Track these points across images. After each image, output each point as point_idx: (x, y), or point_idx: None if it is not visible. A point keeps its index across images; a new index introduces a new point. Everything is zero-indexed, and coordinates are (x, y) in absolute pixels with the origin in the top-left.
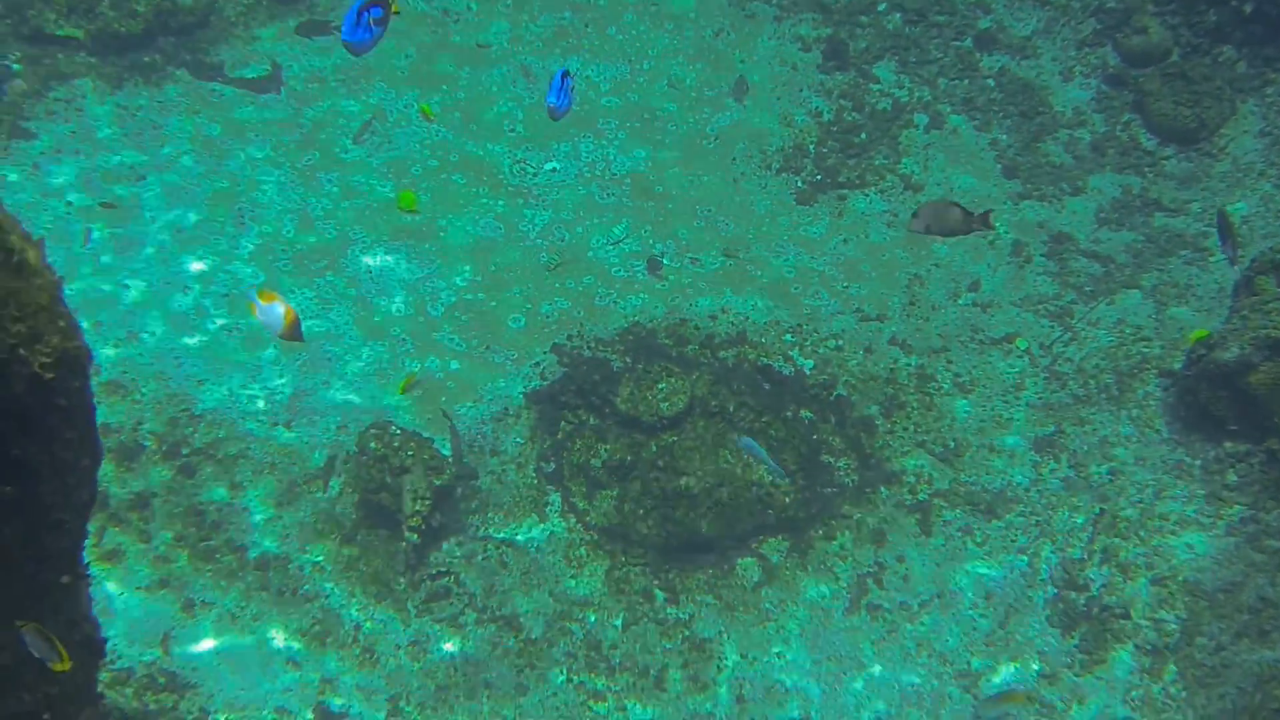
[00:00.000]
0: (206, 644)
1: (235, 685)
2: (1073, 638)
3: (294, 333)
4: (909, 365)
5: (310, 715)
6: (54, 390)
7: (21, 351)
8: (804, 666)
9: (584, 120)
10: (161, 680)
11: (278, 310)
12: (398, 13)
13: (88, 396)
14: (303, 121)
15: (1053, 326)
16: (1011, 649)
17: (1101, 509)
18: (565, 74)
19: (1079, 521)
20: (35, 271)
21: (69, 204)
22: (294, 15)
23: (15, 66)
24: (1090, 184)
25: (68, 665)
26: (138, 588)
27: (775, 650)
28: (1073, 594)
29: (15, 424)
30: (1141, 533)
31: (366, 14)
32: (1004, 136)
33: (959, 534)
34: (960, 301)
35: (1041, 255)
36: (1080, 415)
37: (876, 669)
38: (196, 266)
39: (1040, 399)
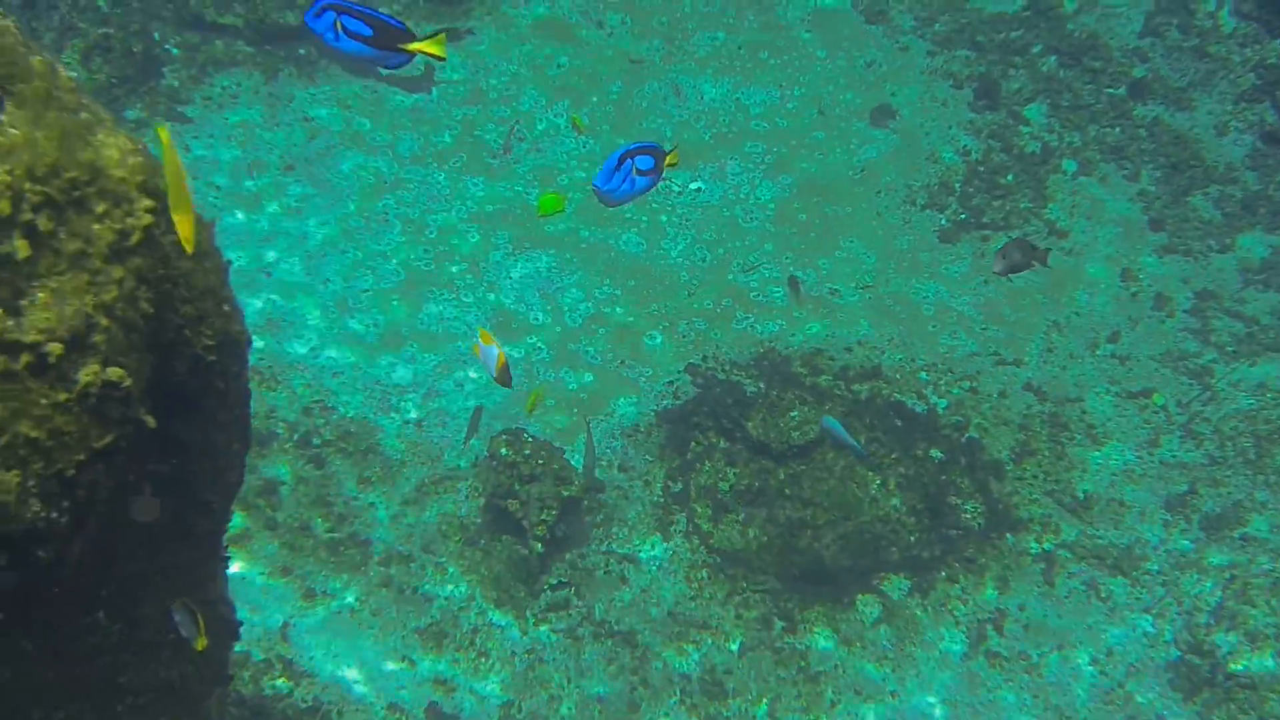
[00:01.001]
0: (324, 634)
1: (350, 678)
2: (1194, 704)
3: (504, 376)
4: (1042, 412)
5: (421, 714)
6: (214, 373)
7: (187, 333)
8: (918, 709)
9: (732, 143)
10: (279, 666)
11: (494, 353)
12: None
13: (244, 381)
14: (452, 123)
15: (1191, 384)
16: (1130, 709)
17: (1232, 574)
18: (631, 154)
19: (1207, 585)
20: (205, 254)
21: (217, 187)
22: (450, 17)
23: (174, 51)
24: (1239, 242)
25: (204, 645)
26: (261, 573)
27: (889, 689)
28: (1196, 659)
29: (174, 404)
30: (1273, 601)
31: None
32: (1152, 188)
33: (1083, 587)
34: (1099, 352)
35: (1184, 311)
36: (1215, 477)
37: (992, 717)
38: (339, 261)
39: (1174, 457)
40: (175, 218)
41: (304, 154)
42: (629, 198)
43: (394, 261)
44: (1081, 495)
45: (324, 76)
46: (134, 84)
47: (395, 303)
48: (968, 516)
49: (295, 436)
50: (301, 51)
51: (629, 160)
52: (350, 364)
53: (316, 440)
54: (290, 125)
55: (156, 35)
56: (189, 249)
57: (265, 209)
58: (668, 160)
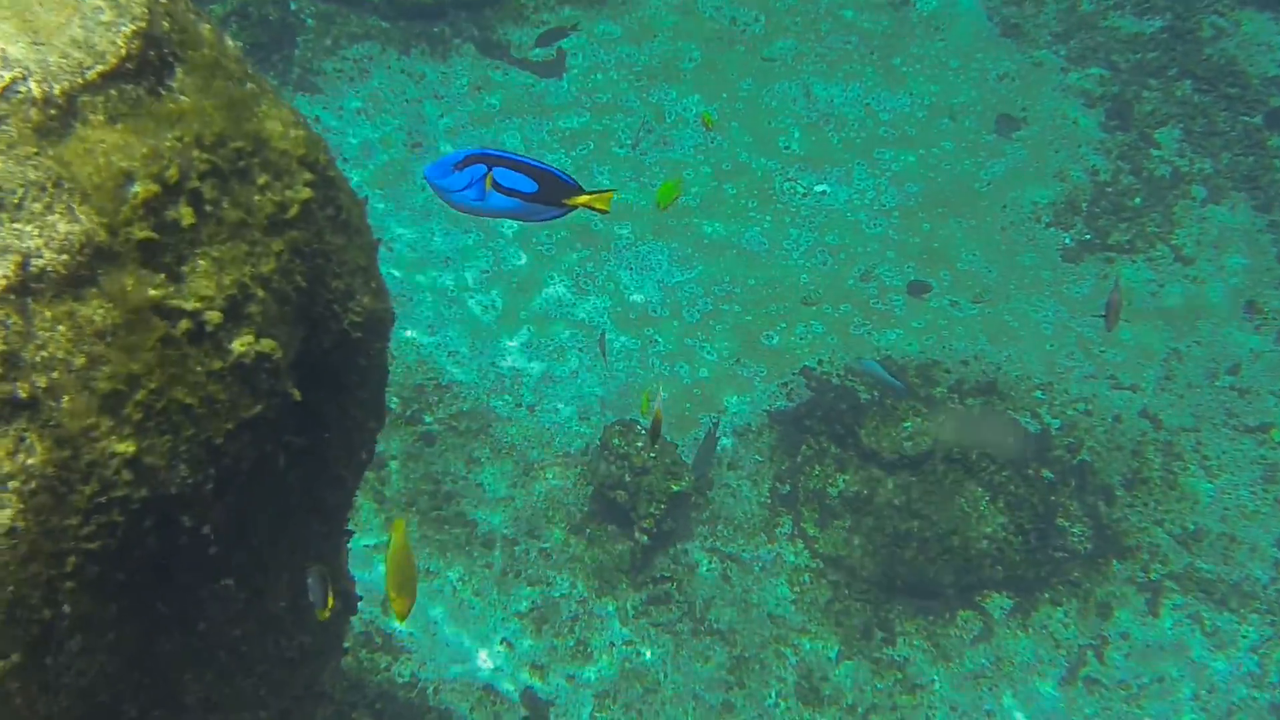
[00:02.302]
0: (426, 612)
1: (448, 656)
2: None
3: (656, 429)
4: (1157, 440)
5: (517, 698)
6: (358, 350)
7: (335, 308)
8: None
9: (860, 148)
10: (378, 640)
11: (652, 406)
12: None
13: (385, 360)
14: (580, 110)
15: None
16: None
17: None
18: (491, 161)
19: None
20: (358, 231)
21: (345, 160)
22: (585, 4)
23: (309, 22)
24: None
25: (327, 616)
26: (366, 546)
27: (986, 708)
28: None
29: (317, 378)
30: None
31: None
32: None
33: (1188, 620)
34: (1218, 383)
35: None
36: None
37: None
38: (460, 241)
39: None
40: (394, 598)
41: (432, 132)
42: (478, 211)
43: (515, 245)
44: (1192, 527)
45: (456, 56)
46: (267, 51)
47: (514, 285)
48: (1075, 540)
49: (408, 413)
50: (435, 29)
51: (483, 166)
52: (466, 344)
53: (428, 418)
54: (420, 102)
55: (293, 4)
56: (400, 623)
57: (388, 183)
58: (577, 200)
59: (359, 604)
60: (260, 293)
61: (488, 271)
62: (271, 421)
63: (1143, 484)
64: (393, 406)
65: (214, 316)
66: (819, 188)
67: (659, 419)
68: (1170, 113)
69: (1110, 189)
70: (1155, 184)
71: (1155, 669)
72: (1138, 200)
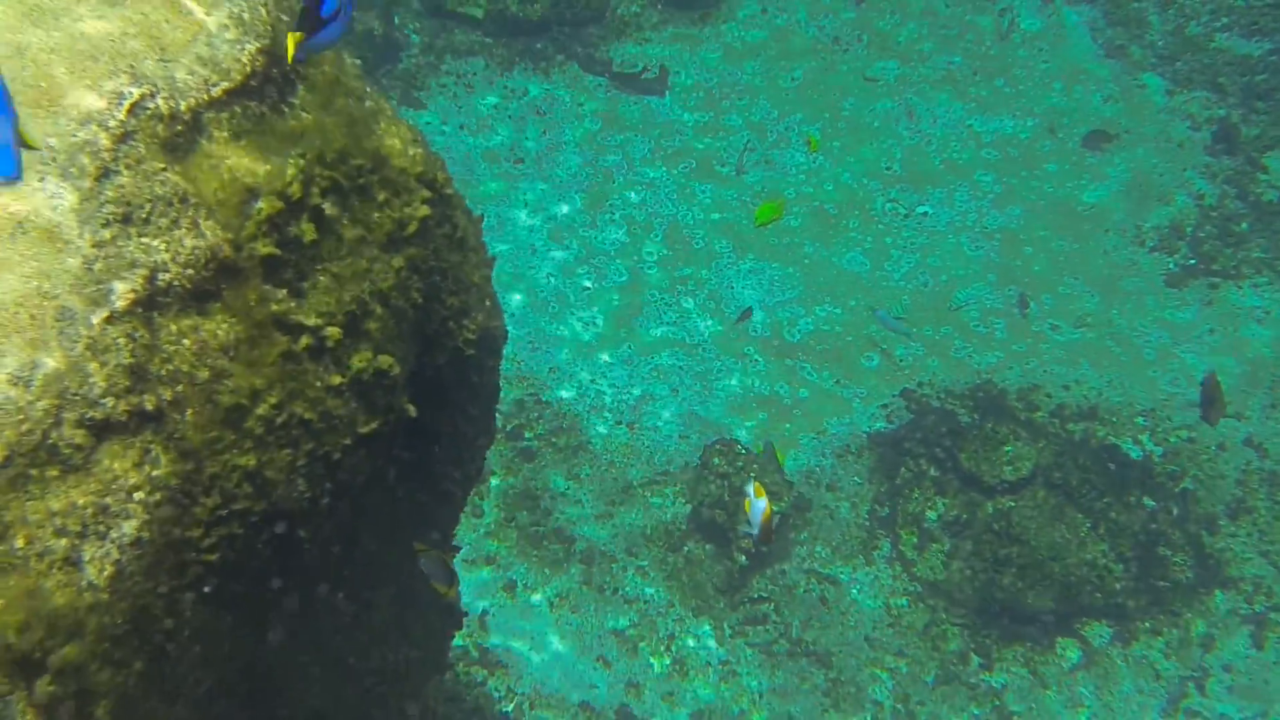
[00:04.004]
0: (522, 627)
1: (544, 673)
2: None
3: (766, 534)
4: (1262, 470)
5: (613, 715)
6: (470, 366)
7: (450, 325)
8: None
9: (962, 170)
10: (475, 654)
11: (761, 507)
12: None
13: (497, 377)
14: (683, 129)
15: None
16: None
17: None
18: None
19: None
20: (474, 248)
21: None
22: (686, 22)
23: (414, 37)
24: None
25: (454, 593)
26: (464, 560)
27: None
28: None
29: (430, 393)
30: None
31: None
32: None
33: None
34: None
35: None
36: None
37: None
38: (560, 256)
39: None
40: None
41: (535, 148)
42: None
43: (616, 261)
44: None
45: (559, 73)
46: (371, 66)
47: (615, 302)
48: (1176, 569)
49: (508, 428)
50: (538, 45)
51: None
52: (566, 360)
53: (528, 434)
54: (523, 118)
55: (397, 19)
56: None
57: (489, 200)
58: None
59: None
60: (378, 309)
61: (589, 288)
62: (386, 437)
63: (1247, 514)
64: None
65: (334, 332)
66: (921, 209)
67: (768, 521)
68: (1278, 136)
69: (1215, 213)
70: (1263, 209)
71: (1260, 703)
72: (1244, 225)
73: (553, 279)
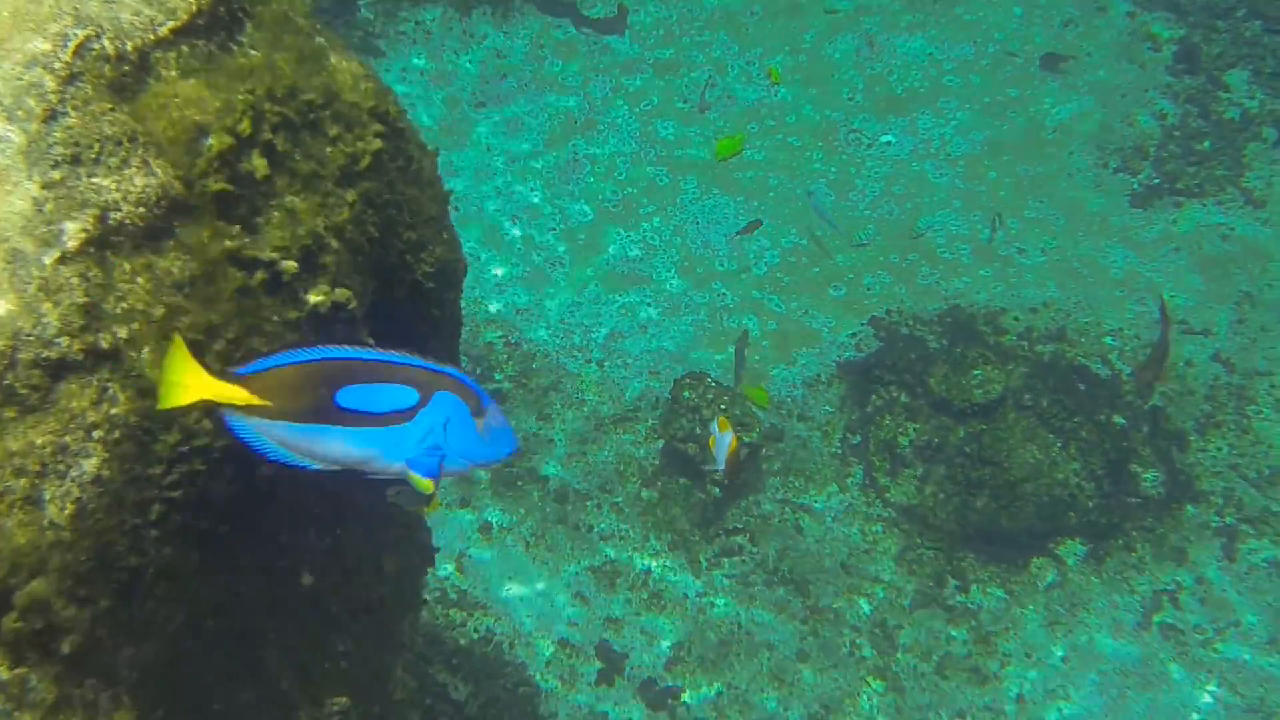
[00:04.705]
0: (499, 567)
1: (522, 611)
2: None
3: (732, 467)
4: (1230, 384)
5: (592, 651)
6: (430, 300)
7: (408, 258)
8: (1089, 676)
9: (924, 98)
10: (453, 596)
11: (726, 441)
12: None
13: (458, 310)
14: (644, 66)
15: None
16: None
17: None
18: None
19: None
20: (429, 182)
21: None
22: None
23: None
24: None
25: (437, 506)
26: (440, 505)
27: (1059, 654)
28: None
29: (391, 329)
30: None
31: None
32: None
33: (1265, 565)
34: None
35: None
36: None
37: (1164, 689)
38: (523, 198)
39: None
40: None
41: (496, 91)
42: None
43: (581, 201)
44: (1267, 471)
45: (518, 16)
46: (331, 16)
47: (581, 242)
48: (1148, 485)
49: (478, 371)
50: None
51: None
52: (534, 301)
53: (499, 375)
54: (483, 63)
55: None
56: None
57: (452, 143)
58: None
59: (436, 560)
60: (334, 243)
61: (555, 230)
62: None
63: (1216, 428)
64: (463, 364)
65: (290, 266)
66: (884, 138)
67: (734, 455)
68: (1239, 54)
69: (1179, 133)
70: (1224, 127)
71: (1232, 614)
72: (1207, 144)
73: (518, 222)
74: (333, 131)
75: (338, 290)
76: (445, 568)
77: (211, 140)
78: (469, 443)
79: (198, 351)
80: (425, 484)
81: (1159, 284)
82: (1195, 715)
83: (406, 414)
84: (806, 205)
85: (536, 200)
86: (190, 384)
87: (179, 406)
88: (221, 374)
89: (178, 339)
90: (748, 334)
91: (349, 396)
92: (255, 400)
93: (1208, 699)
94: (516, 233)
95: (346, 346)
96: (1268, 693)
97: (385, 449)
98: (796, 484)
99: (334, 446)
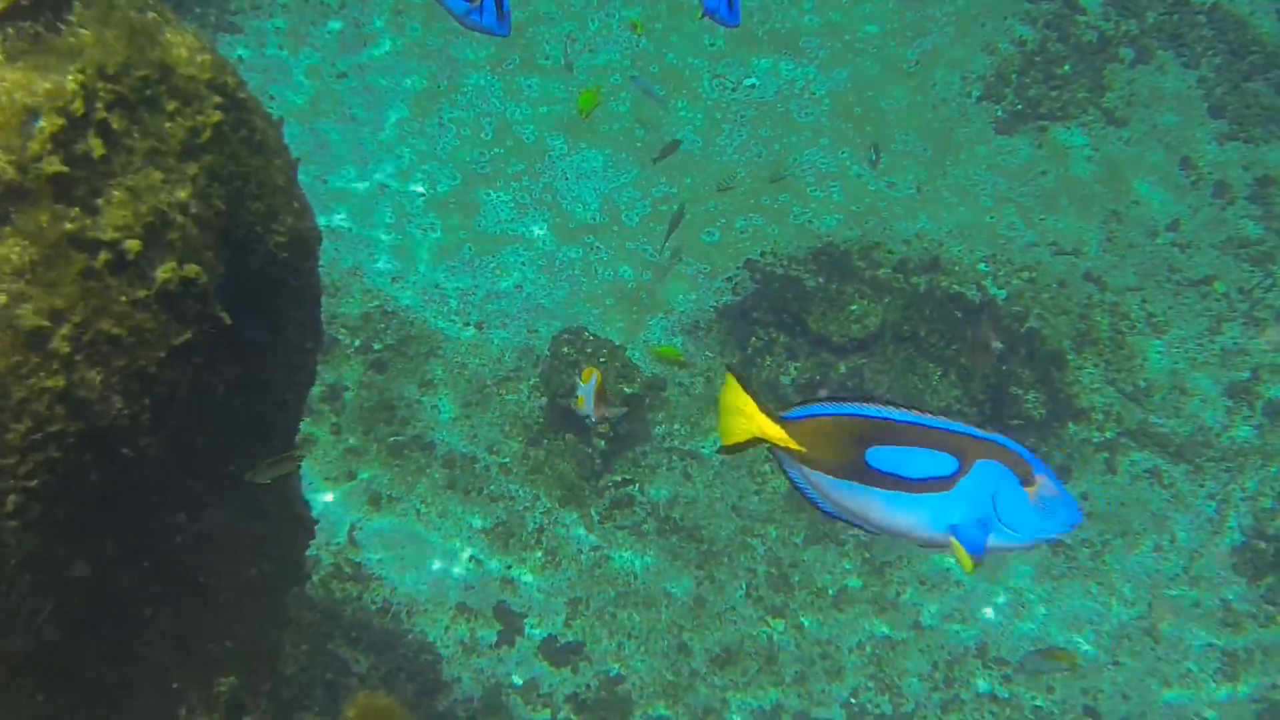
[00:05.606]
0: (391, 538)
1: (418, 579)
2: (1259, 586)
3: (601, 400)
4: (1103, 302)
5: (490, 613)
6: (286, 270)
7: (259, 230)
8: (980, 594)
9: (785, 39)
10: (347, 570)
11: (588, 390)
12: None
13: (316, 279)
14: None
15: (1253, 271)
16: (1196, 595)
17: None
18: None
19: (1272, 471)
20: (275, 151)
21: (271, 97)
22: None
23: None
24: None
25: (298, 464)
26: (326, 478)
27: (954, 579)
28: (1262, 543)
29: (249, 302)
30: None
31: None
32: (1212, 75)
33: (1146, 475)
34: (1159, 241)
35: (1245, 199)
36: (1277, 364)
37: (1053, 603)
38: (391, 166)
39: (1237, 344)
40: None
41: (356, 61)
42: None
43: (449, 165)
44: (1143, 384)
45: None
46: None
47: (451, 206)
48: (1029, 406)
49: (357, 343)
50: None
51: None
52: (408, 269)
53: (378, 345)
54: (341, 32)
55: None
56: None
57: (316, 115)
58: None
59: (323, 535)
60: (179, 219)
61: (423, 195)
62: (204, 347)
63: (1092, 345)
64: (341, 337)
65: (134, 245)
66: (748, 81)
67: (600, 390)
68: None
69: (1039, 58)
70: (1083, 49)
71: (1118, 525)
72: (1067, 67)
73: (386, 189)
74: (170, 106)
75: (186, 266)
76: (338, 540)
77: (43, 122)
78: (1021, 516)
79: (44, 337)
80: (968, 561)
81: (1028, 207)
82: (1089, 627)
83: (945, 482)
84: (667, 143)
85: (405, 167)
86: (744, 426)
87: (739, 443)
88: (771, 414)
89: (730, 378)
90: (683, 209)
91: (880, 457)
92: (794, 445)
93: (1098, 607)
94: (386, 200)
95: (883, 405)
96: (1155, 598)
97: (925, 519)
98: (683, 431)
99: (871, 508)
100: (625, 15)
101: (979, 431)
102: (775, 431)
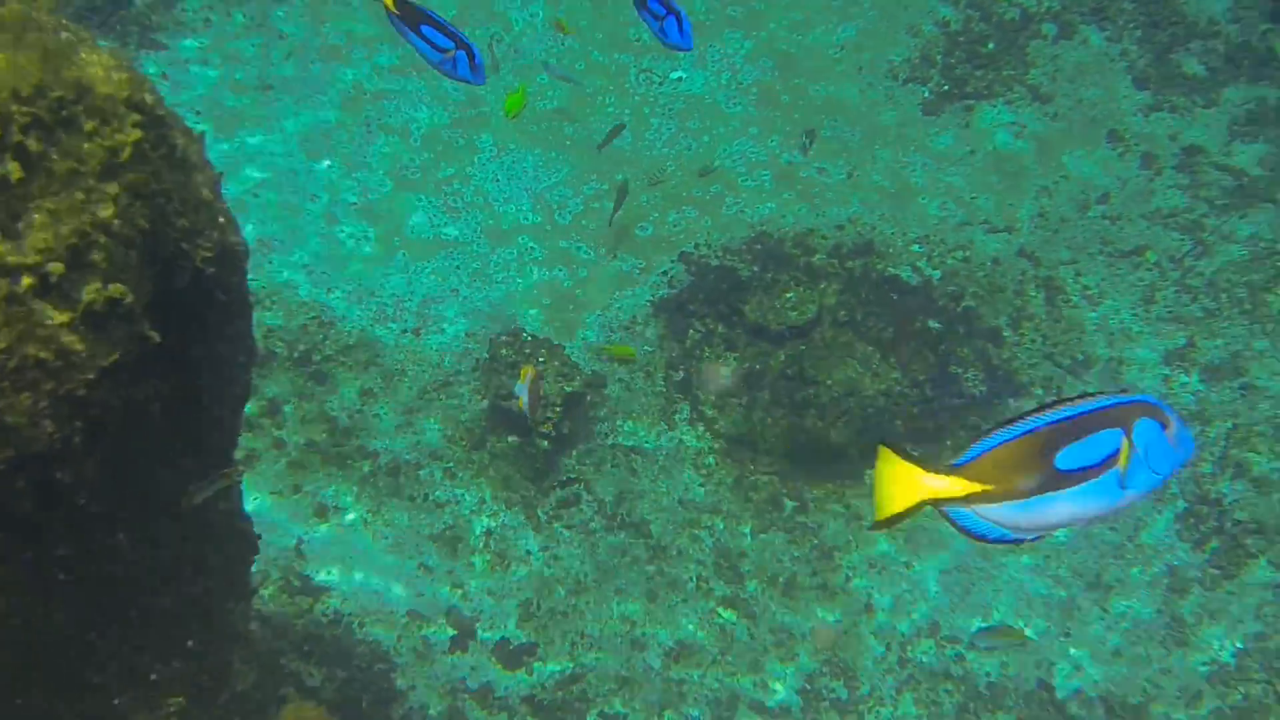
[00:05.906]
0: (340, 548)
1: (367, 589)
2: (1204, 552)
3: (536, 397)
4: (1037, 277)
5: (443, 620)
6: (214, 285)
7: (184, 246)
8: (932, 575)
9: (711, 29)
10: (296, 583)
11: (522, 390)
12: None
13: (245, 293)
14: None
15: (1183, 239)
16: (1141, 561)
17: (1234, 423)
18: None
19: (1210, 435)
20: (197, 166)
21: (197, 113)
22: None
23: None
24: (1224, 96)
25: (236, 475)
26: (271, 492)
27: (903, 561)
28: (1204, 508)
29: (178, 319)
30: (1276, 447)
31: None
32: (1134, 47)
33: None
34: (1089, 214)
35: (1172, 168)
36: (1212, 329)
37: (1003, 579)
38: (323, 176)
39: (1170, 312)
40: None
41: (282, 73)
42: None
43: (379, 172)
44: (1080, 356)
45: None
46: (105, 14)
47: (383, 213)
48: (970, 384)
49: (295, 355)
50: None
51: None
52: (342, 277)
53: (317, 356)
54: (266, 44)
55: None
56: None
57: (245, 130)
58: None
59: (269, 550)
60: (102, 239)
61: (355, 204)
62: (135, 367)
63: (1028, 320)
64: (279, 350)
65: (56, 268)
66: (674, 74)
67: (534, 385)
68: None
69: (963, 38)
70: (1006, 27)
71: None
72: (990, 46)
73: (318, 200)
74: (89, 126)
75: (111, 286)
76: (284, 554)
77: None
78: (1166, 458)
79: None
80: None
81: (959, 187)
82: (1038, 597)
83: (1117, 456)
84: (597, 140)
85: (335, 177)
86: (909, 492)
87: (902, 513)
88: (939, 468)
89: (883, 449)
90: (626, 185)
91: (1068, 458)
92: (978, 487)
93: (1041, 588)
94: (318, 211)
95: (1047, 411)
96: (1102, 569)
97: (1104, 497)
98: (625, 427)
99: (1061, 513)
100: (549, 15)
101: (1127, 398)
102: (955, 486)
